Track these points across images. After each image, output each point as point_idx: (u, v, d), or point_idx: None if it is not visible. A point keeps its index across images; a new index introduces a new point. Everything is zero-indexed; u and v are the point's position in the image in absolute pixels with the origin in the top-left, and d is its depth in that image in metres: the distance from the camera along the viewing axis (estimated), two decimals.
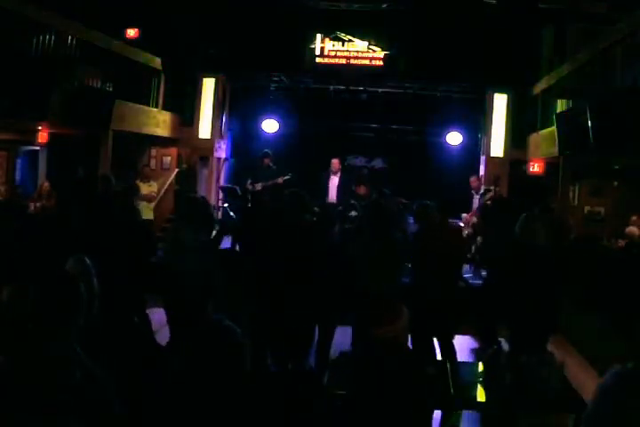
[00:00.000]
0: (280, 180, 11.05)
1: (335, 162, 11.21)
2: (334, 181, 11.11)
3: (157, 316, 6.33)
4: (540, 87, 11.41)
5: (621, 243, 9.84)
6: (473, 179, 10.92)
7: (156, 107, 12.00)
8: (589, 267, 6.92)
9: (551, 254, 5.40)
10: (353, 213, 12.23)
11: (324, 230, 5.92)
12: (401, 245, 5.77)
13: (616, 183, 12.26)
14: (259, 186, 11.11)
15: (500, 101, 12.32)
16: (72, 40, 9.15)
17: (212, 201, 12.36)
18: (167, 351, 3.43)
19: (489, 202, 9.53)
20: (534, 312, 4.96)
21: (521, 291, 5.14)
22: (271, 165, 11.57)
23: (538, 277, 5.01)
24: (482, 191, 10.49)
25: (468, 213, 10.31)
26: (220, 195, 12.46)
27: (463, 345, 6.57)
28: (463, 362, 5.84)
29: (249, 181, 11.58)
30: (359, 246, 5.71)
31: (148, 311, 6.53)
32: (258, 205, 10.02)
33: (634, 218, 10.27)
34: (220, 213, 12.14)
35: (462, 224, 10.17)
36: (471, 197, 10.75)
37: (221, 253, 6.59)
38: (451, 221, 10.26)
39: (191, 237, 5.77)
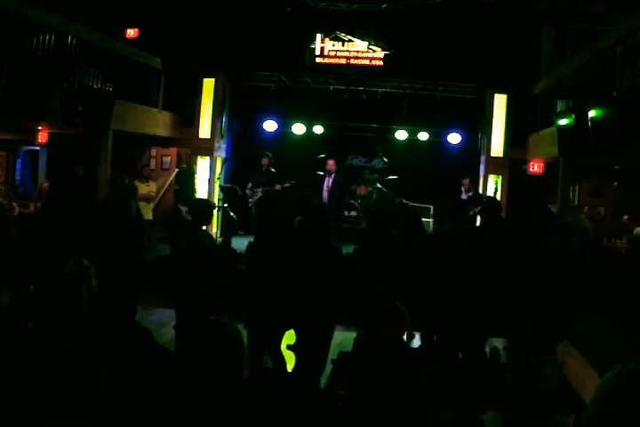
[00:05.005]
0: (278, 186, 11.10)
1: (331, 163, 11.29)
2: (328, 181, 11.21)
3: (158, 316, 6.34)
4: (540, 87, 11.40)
5: (621, 243, 9.84)
6: (467, 181, 11.08)
7: (156, 107, 11.99)
8: (591, 267, 6.91)
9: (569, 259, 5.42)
10: (353, 213, 12.27)
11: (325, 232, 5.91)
12: (400, 245, 5.79)
13: (616, 183, 12.26)
14: (259, 191, 11.17)
15: (499, 101, 12.30)
16: (72, 40, 9.13)
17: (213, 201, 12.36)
18: (169, 351, 3.44)
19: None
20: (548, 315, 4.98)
21: (536, 294, 5.16)
22: (270, 167, 11.61)
23: (554, 281, 5.03)
24: (470, 193, 10.69)
25: None
26: (221, 195, 12.45)
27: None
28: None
29: (249, 185, 11.61)
30: (363, 248, 5.72)
31: (148, 312, 6.52)
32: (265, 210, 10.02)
33: (625, 218, 10.36)
34: (220, 214, 12.14)
35: None
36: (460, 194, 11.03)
37: (226, 254, 6.57)
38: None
39: (205, 240, 5.76)
